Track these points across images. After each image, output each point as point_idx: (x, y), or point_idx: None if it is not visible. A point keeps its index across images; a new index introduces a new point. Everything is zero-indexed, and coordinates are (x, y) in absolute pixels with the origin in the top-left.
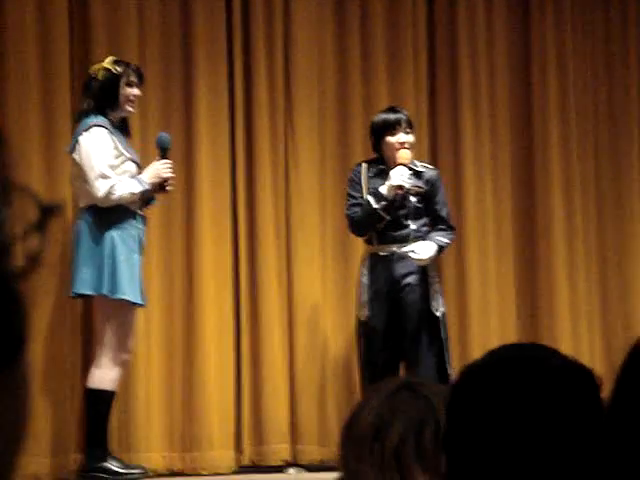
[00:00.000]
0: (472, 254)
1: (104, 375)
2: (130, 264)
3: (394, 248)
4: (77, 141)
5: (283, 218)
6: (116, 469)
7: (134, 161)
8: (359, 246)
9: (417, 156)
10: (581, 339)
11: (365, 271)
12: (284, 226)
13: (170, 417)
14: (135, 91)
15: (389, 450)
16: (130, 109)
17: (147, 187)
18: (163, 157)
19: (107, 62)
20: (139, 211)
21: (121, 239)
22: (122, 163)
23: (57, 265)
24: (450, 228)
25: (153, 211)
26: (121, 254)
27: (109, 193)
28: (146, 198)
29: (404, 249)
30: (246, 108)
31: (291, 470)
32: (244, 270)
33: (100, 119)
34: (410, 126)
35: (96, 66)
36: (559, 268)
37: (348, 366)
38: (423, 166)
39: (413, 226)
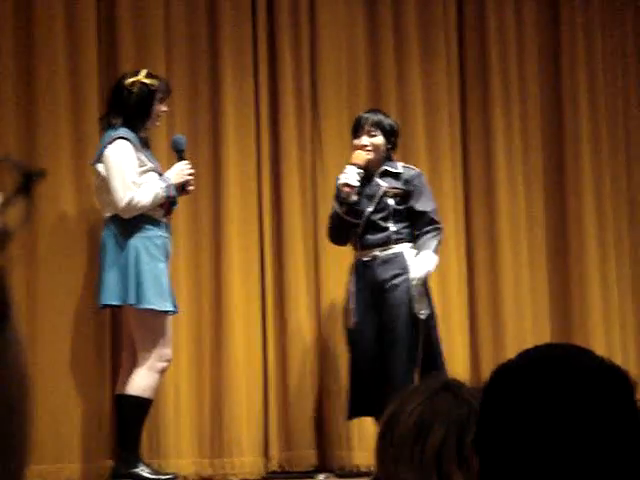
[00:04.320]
0: (505, 261)
1: (141, 382)
2: (156, 273)
3: (376, 252)
4: (102, 153)
5: (311, 224)
6: (147, 475)
7: (157, 171)
8: None
9: (450, 164)
10: (614, 342)
11: (352, 278)
12: (312, 232)
13: (199, 423)
14: (165, 107)
15: (430, 453)
16: (158, 124)
17: (172, 183)
18: (181, 159)
19: (143, 76)
20: (163, 219)
21: (145, 248)
22: (144, 173)
23: (85, 272)
24: (434, 224)
25: (180, 219)
26: (145, 263)
27: (130, 203)
28: (169, 202)
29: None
30: (272, 113)
31: (320, 476)
32: (271, 277)
33: (125, 132)
34: (377, 128)
35: (131, 79)
36: (591, 273)
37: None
38: (404, 167)
39: (393, 228)
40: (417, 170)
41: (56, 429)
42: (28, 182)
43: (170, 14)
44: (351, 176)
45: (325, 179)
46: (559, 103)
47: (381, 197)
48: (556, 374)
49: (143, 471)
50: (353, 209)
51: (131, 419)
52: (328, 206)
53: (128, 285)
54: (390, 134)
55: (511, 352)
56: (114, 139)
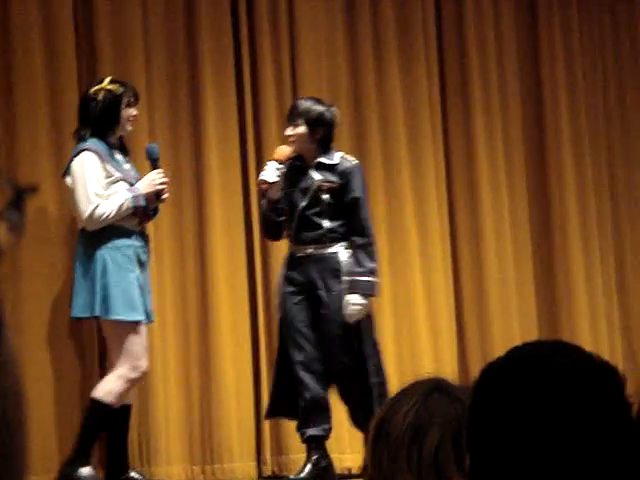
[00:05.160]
0: (490, 258)
1: (105, 385)
2: (124, 284)
3: (310, 250)
4: (68, 166)
5: None
6: None
7: (126, 180)
8: (381, 255)
9: (433, 166)
10: (601, 337)
11: (282, 272)
12: None
13: (190, 430)
14: (134, 111)
15: (428, 453)
16: (130, 128)
17: (140, 193)
18: (155, 167)
19: (107, 83)
20: (136, 228)
21: (112, 259)
22: (113, 184)
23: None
24: (365, 237)
25: (164, 226)
26: (113, 274)
27: (93, 215)
28: (143, 211)
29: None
30: (255, 119)
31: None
32: (260, 281)
33: (92, 143)
34: (299, 117)
35: (95, 87)
36: (577, 270)
37: None
38: (341, 158)
39: (327, 225)
40: (354, 162)
41: (42, 440)
42: (19, 198)
43: (148, 23)
44: (269, 172)
45: None
46: (539, 103)
47: (315, 191)
48: (545, 371)
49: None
50: (275, 206)
51: (86, 421)
52: None
53: (95, 297)
54: (316, 123)
55: (498, 350)
56: (79, 151)
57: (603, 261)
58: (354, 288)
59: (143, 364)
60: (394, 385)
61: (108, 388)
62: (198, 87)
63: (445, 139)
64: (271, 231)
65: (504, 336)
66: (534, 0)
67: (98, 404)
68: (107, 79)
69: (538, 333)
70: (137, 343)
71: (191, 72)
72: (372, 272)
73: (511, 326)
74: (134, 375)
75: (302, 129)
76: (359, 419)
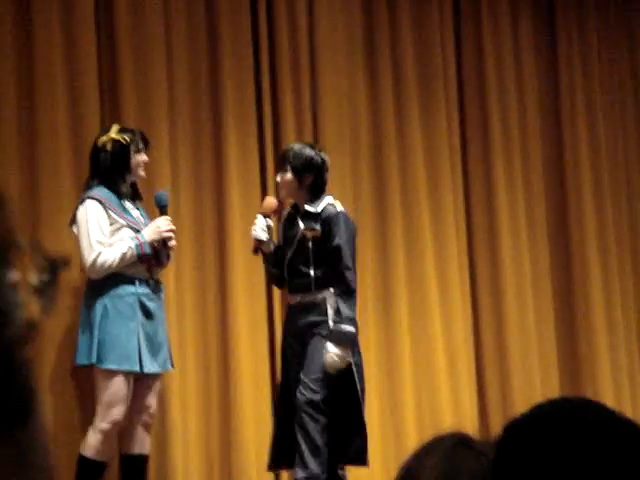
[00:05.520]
0: (511, 312)
1: (86, 439)
2: (121, 333)
3: (299, 298)
4: (74, 214)
5: None
6: None
7: (132, 227)
8: (400, 305)
9: (452, 212)
10: (624, 396)
11: (284, 321)
12: None
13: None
14: (144, 157)
15: None
16: (142, 174)
17: (144, 240)
18: (162, 214)
19: (114, 132)
20: (144, 275)
21: (113, 307)
22: (117, 231)
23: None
24: (345, 285)
25: (186, 272)
26: (111, 322)
27: (95, 264)
28: (151, 258)
29: None
30: (275, 160)
31: None
32: (278, 323)
33: (97, 191)
34: (286, 163)
35: (103, 138)
36: (599, 325)
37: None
38: (327, 204)
39: (313, 273)
40: (337, 209)
41: None
42: (54, 271)
43: (172, 70)
44: (258, 228)
45: None
46: (560, 153)
47: (299, 240)
48: (569, 428)
49: None
50: (270, 259)
51: (76, 477)
52: None
53: (92, 345)
54: (303, 169)
55: (519, 405)
56: (83, 200)
57: (625, 317)
58: (331, 338)
59: (115, 413)
60: (414, 439)
61: (87, 441)
62: (220, 137)
63: (465, 185)
64: (275, 282)
65: (525, 391)
66: (554, 45)
67: (81, 458)
68: (114, 128)
69: (560, 389)
70: (116, 392)
71: (214, 121)
72: (350, 321)
73: (532, 382)
74: (104, 426)
75: (288, 175)
76: (349, 453)
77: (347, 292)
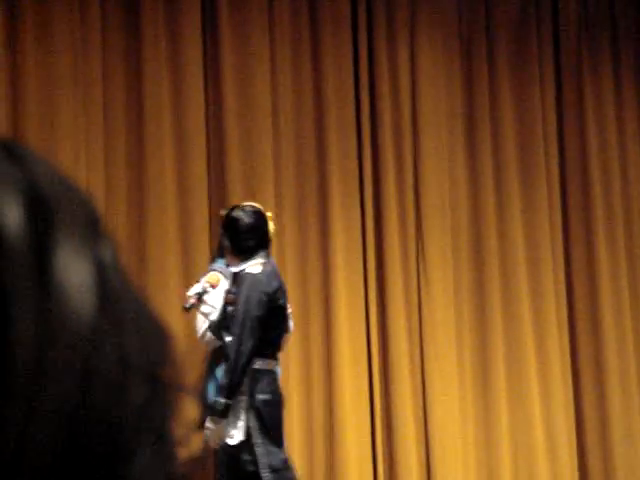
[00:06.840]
0: (612, 387)
1: None
2: None
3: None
4: None
5: (417, 350)
6: None
7: None
8: (499, 380)
9: (554, 298)
10: None
11: None
12: (418, 359)
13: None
14: None
15: None
16: None
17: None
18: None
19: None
20: None
21: None
22: None
23: None
24: (229, 353)
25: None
26: None
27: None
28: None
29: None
30: (377, 240)
31: None
32: (378, 399)
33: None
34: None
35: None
36: None
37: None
38: (249, 266)
39: (228, 338)
40: (252, 271)
41: None
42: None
43: (280, 148)
44: (190, 294)
45: (430, 301)
46: None
47: (223, 305)
48: None
49: None
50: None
51: None
52: (435, 330)
53: None
54: (225, 231)
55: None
56: None
57: None
58: (209, 411)
59: None
60: None
61: None
62: (326, 210)
63: (567, 268)
64: None
65: (628, 467)
66: None
67: None
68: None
69: None
70: None
71: (319, 191)
72: (223, 390)
73: (636, 455)
74: None
75: (225, 239)
76: None
77: (229, 360)
